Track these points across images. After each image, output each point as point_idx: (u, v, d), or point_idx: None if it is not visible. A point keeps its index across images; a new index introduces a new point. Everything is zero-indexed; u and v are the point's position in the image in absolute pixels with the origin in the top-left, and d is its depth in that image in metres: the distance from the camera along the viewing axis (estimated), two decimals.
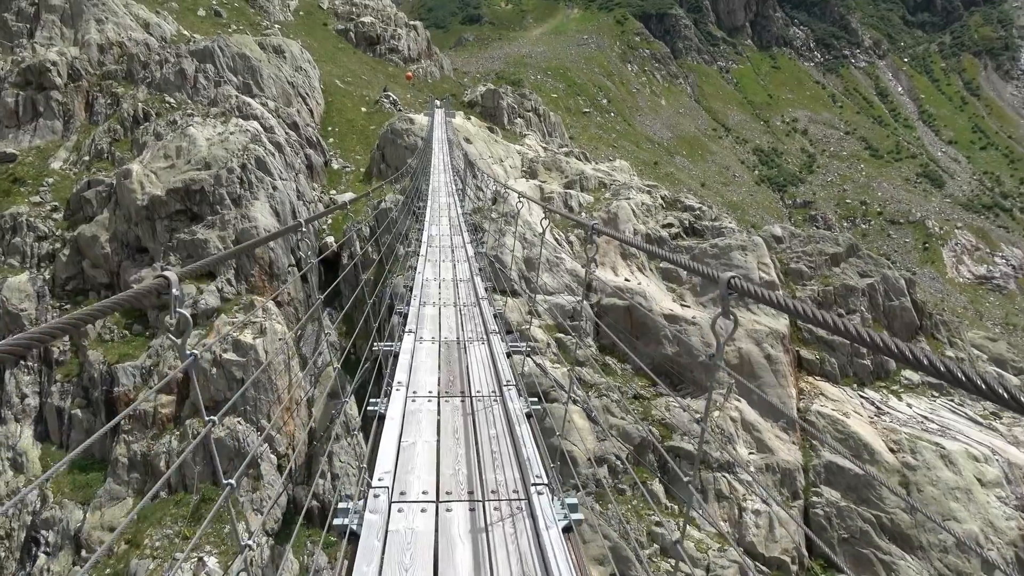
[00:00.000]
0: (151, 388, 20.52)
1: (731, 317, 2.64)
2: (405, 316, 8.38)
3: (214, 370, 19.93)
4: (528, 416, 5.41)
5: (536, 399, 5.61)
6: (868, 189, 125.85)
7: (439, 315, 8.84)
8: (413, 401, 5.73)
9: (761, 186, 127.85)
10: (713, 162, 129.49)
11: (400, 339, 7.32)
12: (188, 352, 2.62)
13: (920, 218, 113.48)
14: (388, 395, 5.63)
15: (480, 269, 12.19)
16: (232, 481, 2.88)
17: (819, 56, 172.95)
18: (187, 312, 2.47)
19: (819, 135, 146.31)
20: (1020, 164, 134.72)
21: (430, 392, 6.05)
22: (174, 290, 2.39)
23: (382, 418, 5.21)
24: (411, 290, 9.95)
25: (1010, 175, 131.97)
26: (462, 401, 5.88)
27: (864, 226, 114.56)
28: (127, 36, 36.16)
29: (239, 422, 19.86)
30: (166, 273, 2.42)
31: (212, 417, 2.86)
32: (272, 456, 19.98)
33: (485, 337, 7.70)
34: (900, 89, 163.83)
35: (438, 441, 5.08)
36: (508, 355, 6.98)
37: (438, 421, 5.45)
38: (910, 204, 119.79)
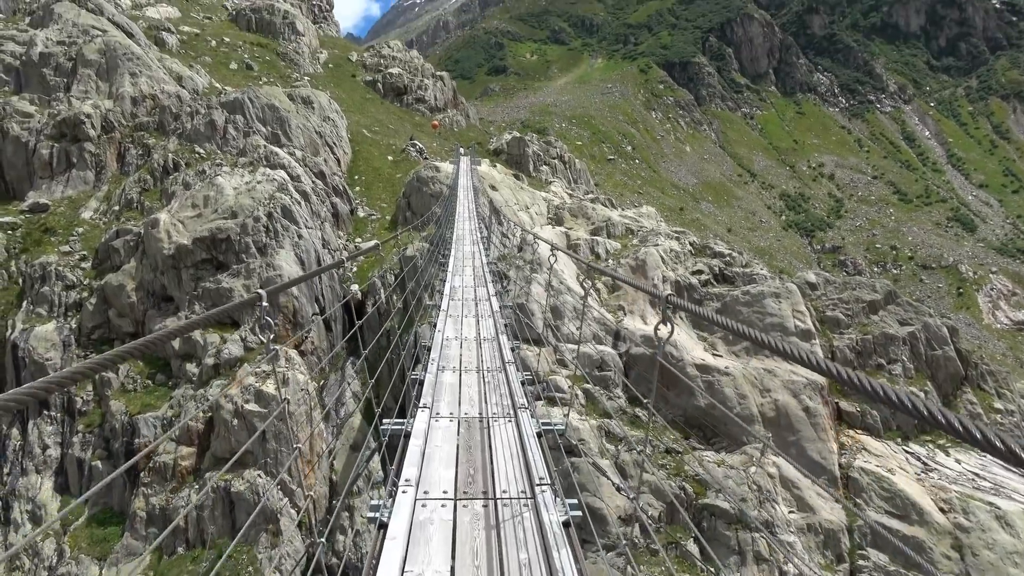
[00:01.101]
0: (171, 440, 20.18)
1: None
2: (420, 384, 7.52)
3: (235, 421, 19.56)
4: (566, 526, 4.41)
5: (575, 503, 4.71)
6: (898, 234, 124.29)
7: (459, 383, 7.85)
8: (423, 506, 4.74)
9: (789, 231, 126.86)
10: (739, 207, 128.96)
11: (413, 416, 6.45)
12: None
13: (953, 263, 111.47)
14: (393, 496, 4.75)
15: (506, 326, 11.25)
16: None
17: (844, 101, 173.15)
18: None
19: (846, 180, 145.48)
20: None
21: (445, 492, 5.00)
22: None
23: (384, 528, 4.34)
24: (430, 351, 9.09)
25: None
26: (484, 506, 4.81)
27: (895, 271, 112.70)
28: (160, 89, 36.97)
29: (259, 475, 19.38)
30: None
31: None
32: (292, 511, 19.40)
33: (512, 413, 6.77)
34: (927, 133, 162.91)
35: (452, 569, 4.11)
36: (539, 435, 6.06)
37: (453, 538, 4.42)
38: (942, 248, 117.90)
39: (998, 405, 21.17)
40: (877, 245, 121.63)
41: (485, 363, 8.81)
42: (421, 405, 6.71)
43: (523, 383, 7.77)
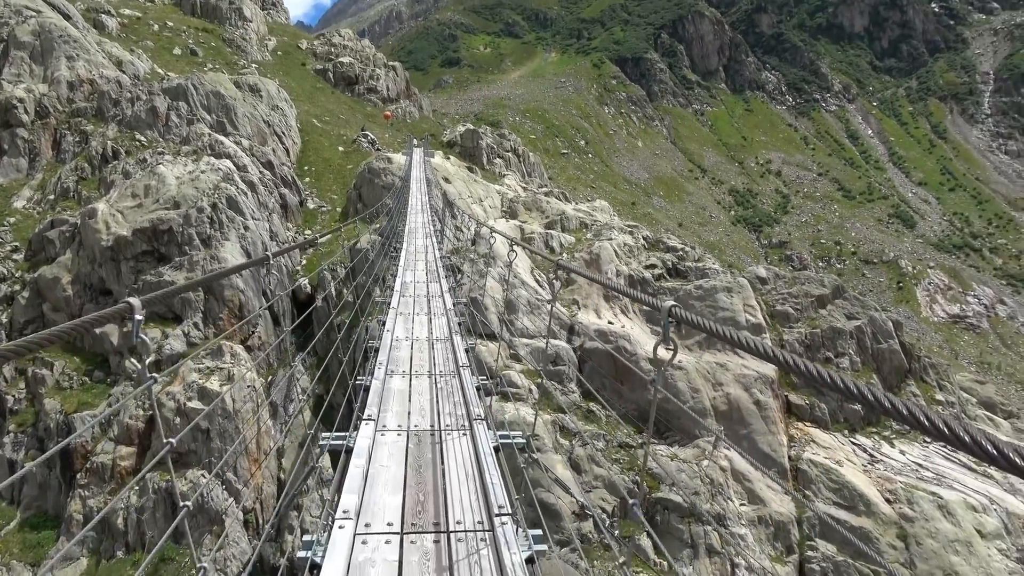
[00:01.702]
0: (110, 439, 19.36)
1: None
2: (366, 391, 6.70)
3: (178, 419, 18.84)
4: (529, 562, 3.89)
5: (539, 534, 4.21)
6: (842, 229, 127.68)
7: (409, 390, 7.12)
8: (364, 543, 4.00)
9: (737, 226, 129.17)
10: (690, 202, 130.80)
11: (356, 428, 5.66)
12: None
13: (893, 258, 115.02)
14: (329, 530, 4.05)
15: (460, 324, 10.55)
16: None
17: (791, 100, 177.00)
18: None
19: (793, 176, 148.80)
20: (988, 205, 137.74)
21: (390, 525, 4.25)
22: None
23: (316, 571, 3.66)
24: (377, 352, 8.29)
25: (978, 215, 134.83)
26: (436, 542, 4.12)
27: (839, 266, 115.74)
28: (98, 73, 35.44)
29: (203, 475, 18.73)
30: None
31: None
32: (238, 511, 18.81)
33: (467, 425, 6.11)
34: (870, 132, 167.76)
35: None
36: (497, 450, 5.41)
37: None
38: (883, 244, 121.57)
39: (939, 397, 21.76)
40: (822, 240, 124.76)
41: (438, 366, 8.16)
42: (366, 417, 5.94)
43: (478, 388, 7.17)
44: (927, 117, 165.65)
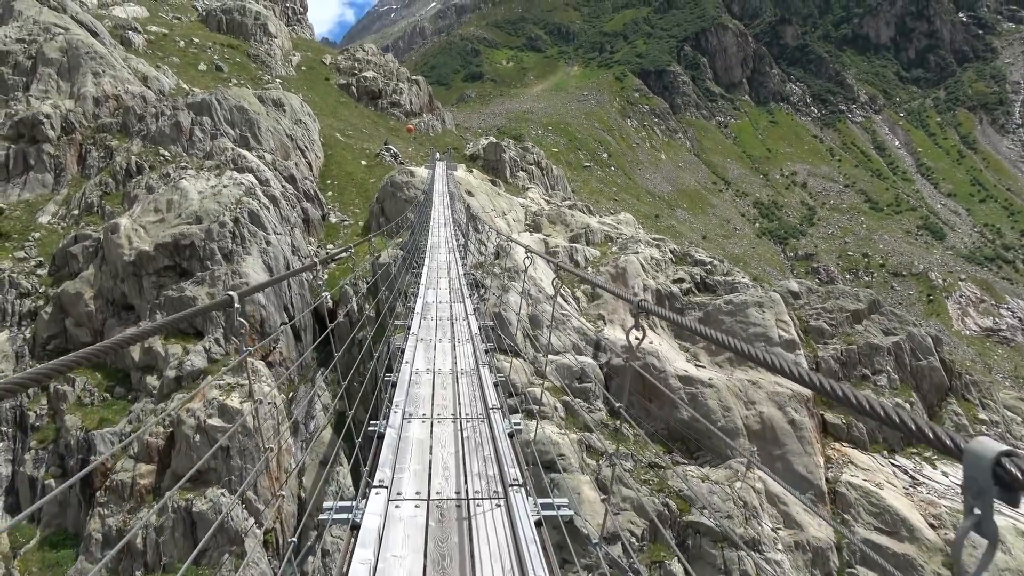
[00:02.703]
0: (129, 456, 19.12)
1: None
2: (380, 441, 5.71)
3: (197, 437, 18.56)
4: None
5: None
6: (869, 241, 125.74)
7: (430, 439, 6.08)
8: None
9: (762, 239, 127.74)
10: (714, 215, 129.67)
11: (365, 496, 4.71)
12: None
13: (923, 270, 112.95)
14: None
15: (488, 352, 9.39)
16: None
17: (816, 111, 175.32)
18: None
19: (818, 188, 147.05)
20: (1020, 216, 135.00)
21: None
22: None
23: None
24: (395, 390, 7.25)
25: (1010, 227, 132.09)
26: None
27: (867, 278, 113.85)
28: (124, 89, 35.73)
29: (223, 494, 18.39)
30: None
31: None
32: (258, 531, 18.43)
33: (501, 491, 5.00)
34: (897, 143, 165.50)
35: None
36: (539, 524, 4.46)
37: None
38: (912, 256, 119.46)
39: (983, 416, 20.86)
40: (849, 253, 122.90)
41: (464, 407, 7.16)
42: (376, 483, 4.89)
43: (511, 435, 6.05)
44: (956, 128, 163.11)
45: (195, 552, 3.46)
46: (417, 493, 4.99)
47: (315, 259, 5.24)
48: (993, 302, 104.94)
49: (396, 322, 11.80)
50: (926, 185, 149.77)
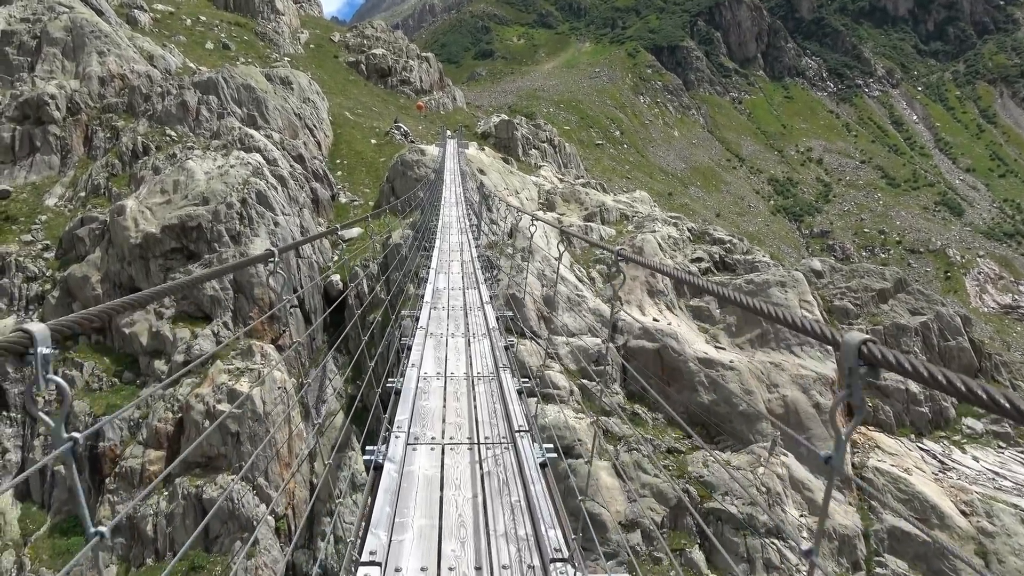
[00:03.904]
0: (139, 443, 18.80)
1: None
2: (377, 478, 4.57)
3: (207, 423, 18.20)
4: None
5: None
6: (886, 218, 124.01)
7: (441, 477, 4.81)
8: None
9: (777, 216, 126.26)
10: (728, 192, 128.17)
11: (353, 566, 3.69)
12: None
13: (941, 247, 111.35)
14: None
15: (507, 348, 8.10)
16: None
17: (832, 86, 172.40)
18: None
19: (834, 164, 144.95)
20: None
21: None
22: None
23: None
24: (399, 402, 6.04)
25: None
26: None
27: (883, 255, 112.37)
28: (129, 68, 35.15)
29: (233, 480, 18.05)
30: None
31: None
32: (269, 518, 18.11)
33: (538, 564, 3.85)
34: (915, 117, 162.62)
35: None
36: None
37: None
38: (929, 233, 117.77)
39: None
40: (865, 230, 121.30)
41: (482, 426, 5.85)
42: (367, 558, 3.70)
43: (543, 465, 4.85)
44: (975, 101, 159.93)
45: (196, 531, 3.26)
46: (423, 571, 3.75)
47: (272, 248, 4.31)
48: (1012, 279, 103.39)
49: (403, 312, 10.58)
50: (944, 160, 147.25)
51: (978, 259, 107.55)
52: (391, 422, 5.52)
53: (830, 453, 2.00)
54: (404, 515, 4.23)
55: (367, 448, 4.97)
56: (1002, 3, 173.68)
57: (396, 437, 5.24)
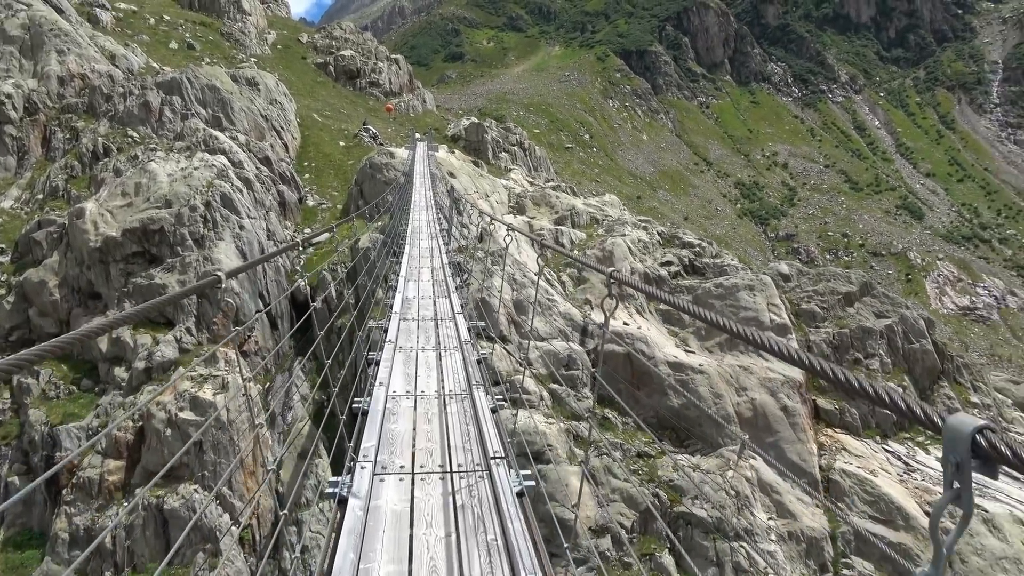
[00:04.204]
0: (97, 452, 18.27)
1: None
2: (341, 513, 4.23)
3: (168, 431, 17.74)
4: None
5: None
6: (849, 221, 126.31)
7: (410, 515, 4.38)
8: None
9: (744, 219, 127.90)
10: (695, 196, 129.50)
11: None
12: None
13: (902, 250, 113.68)
14: None
15: (480, 361, 7.77)
16: None
17: (797, 91, 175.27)
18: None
19: (799, 168, 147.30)
20: (997, 196, 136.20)
21: None
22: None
23: None
24: (366, 424, 5.62)
25: (987, 206, 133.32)
26: None
27: (847, 258, 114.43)
28: (90, 68, 34.31)
29: (195, 490, 17.63)
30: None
31: None
32: (233, 528, 17.71)
33: None
34: (877, 123, 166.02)
35: None
36: None
37: None
38: (891, 236, 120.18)
39: (974, 399, 20.57)
40: (829, 233, 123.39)
41: (455, 451, 5.46)
42: None
43: (520, 495, 4.55)
44: (935, 107, 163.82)
45: (170, 553, 3.03)
46: None
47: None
48: (970, 281, 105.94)
49: (370, 323, 10.05)
50: (905, 165, 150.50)
51: (938, 262, 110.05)
52: (356, 450, 5.11)
53: (927, 570, 1.48)
54: (370, 559, 3.82)
55: (331, 480, 4.58)
56: (960, 12, 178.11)
57: (362, 467, 4.81)
